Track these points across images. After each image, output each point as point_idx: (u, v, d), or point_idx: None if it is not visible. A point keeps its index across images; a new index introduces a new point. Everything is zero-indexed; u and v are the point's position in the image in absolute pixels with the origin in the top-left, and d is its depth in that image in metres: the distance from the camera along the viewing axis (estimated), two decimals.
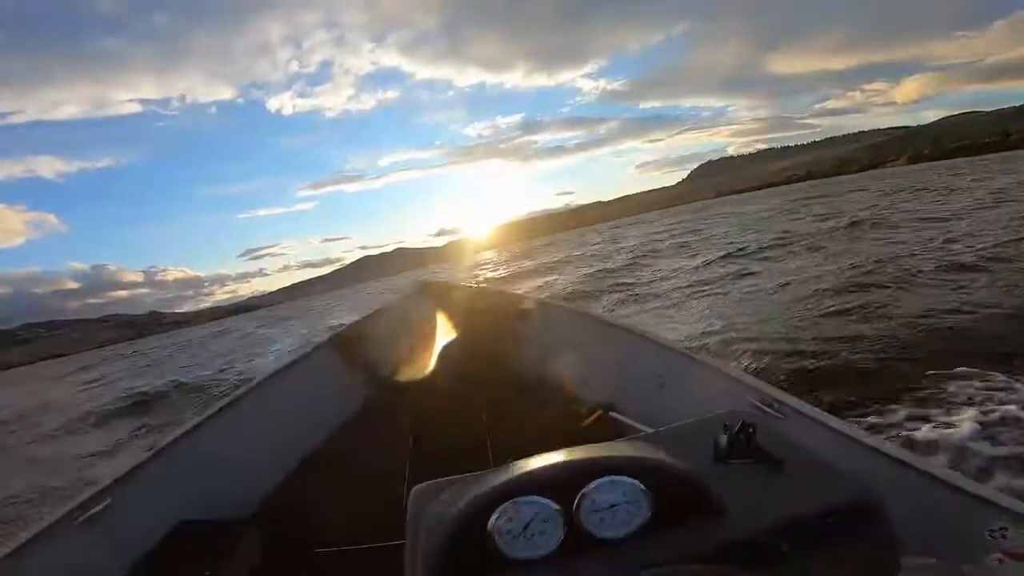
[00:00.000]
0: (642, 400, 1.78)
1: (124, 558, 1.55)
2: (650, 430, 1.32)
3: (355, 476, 2.00)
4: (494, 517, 0.76)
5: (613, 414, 1.76)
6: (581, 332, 2.19)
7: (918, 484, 1.07)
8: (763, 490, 0.89)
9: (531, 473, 0.82)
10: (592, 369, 2.04)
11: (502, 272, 21.71)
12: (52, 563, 1.43)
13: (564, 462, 0.83)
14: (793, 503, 0.86)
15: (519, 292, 2.67)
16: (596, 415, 1.76)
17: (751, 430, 0.95)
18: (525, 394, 2.19)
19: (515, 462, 0.86)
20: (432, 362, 2.29)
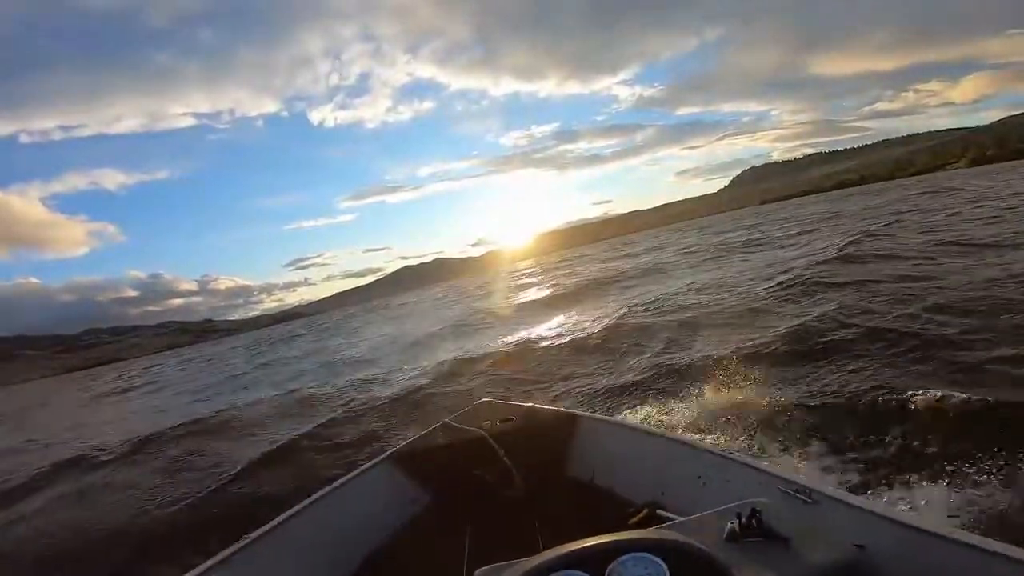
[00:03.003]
0: (685, 497, 1.95)
1: None
2: None
3: (416, 572, 2.20)
4: None
5: (660, 511, 1.90)
6: (626, 441, 2.41)
7: (943, 550, 1.21)
8: (770, 563, 1.13)
9: (569, 552, 1.00)
10: (638, 473, 2.24)
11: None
12: None
13: (597, 543, 1.02)
14: (795, 572, 1.10)
15: (569, 410, 2.92)
16: (643, 514, 1.91)
17: (758, 514, 1.19)
18: (576, 499, 2.38)
19: (561, 546, 1.04)
20: (488, 473, 2.49)
